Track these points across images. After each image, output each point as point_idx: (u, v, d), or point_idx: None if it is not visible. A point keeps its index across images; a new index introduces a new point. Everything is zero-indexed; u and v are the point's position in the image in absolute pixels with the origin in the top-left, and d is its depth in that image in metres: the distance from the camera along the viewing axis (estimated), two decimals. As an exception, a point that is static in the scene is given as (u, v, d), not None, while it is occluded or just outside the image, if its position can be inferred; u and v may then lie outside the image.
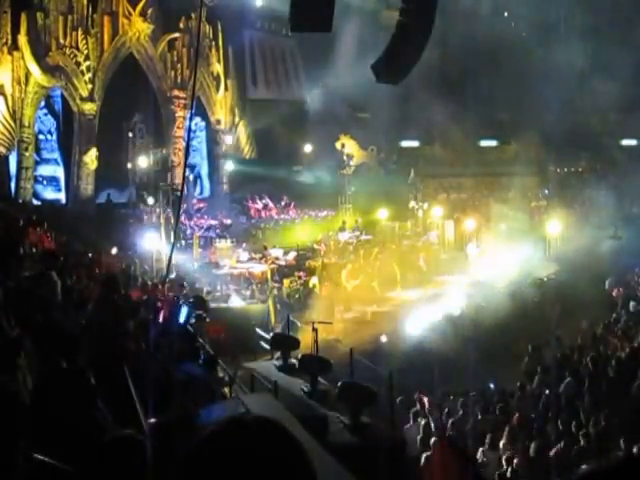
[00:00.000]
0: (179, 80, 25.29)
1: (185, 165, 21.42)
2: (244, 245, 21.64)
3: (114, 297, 6.95)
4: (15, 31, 21.01)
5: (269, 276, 18.59)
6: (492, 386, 11.42)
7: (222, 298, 17.17)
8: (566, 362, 11.88)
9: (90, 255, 15.64)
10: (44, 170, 23.33)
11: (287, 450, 1.16)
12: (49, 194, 23.42)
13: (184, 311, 9.78)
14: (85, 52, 22.72)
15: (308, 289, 18.66)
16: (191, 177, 25.35)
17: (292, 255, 20.75)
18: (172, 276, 16.94)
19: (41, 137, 23.16)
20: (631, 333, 13.69)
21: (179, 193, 20.80)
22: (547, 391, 10.58)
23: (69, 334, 5.38)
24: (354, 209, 25.64)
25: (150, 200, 22.66)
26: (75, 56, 22.47)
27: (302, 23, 9.31)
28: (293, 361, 10.84)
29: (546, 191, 28.57)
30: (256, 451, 1.13)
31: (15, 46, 21.03)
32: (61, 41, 22.18)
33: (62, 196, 23.59)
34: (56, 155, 23.76)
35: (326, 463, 5.82)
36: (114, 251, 17.93)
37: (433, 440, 7.94)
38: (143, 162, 23.91)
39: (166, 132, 25.28)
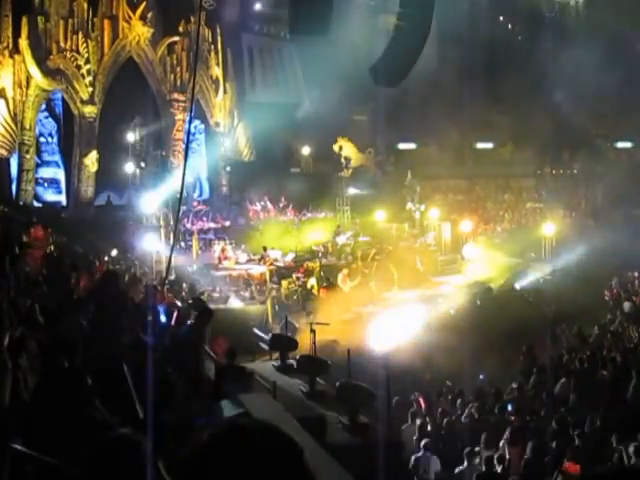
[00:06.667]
0: (178, 83, 25.41)
1: (185, 167, 21.50)
2: (243, 246, 21.79)
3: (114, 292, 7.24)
4: (16, 35, 21.16)
5: (268, 277, 18.73)
6: (481, 377, 11.52)
7: (221, 299, 17.31)
8: (561, 362, 12.04)
9: (91, 257, 15.78)
10: (45, 172, 23.47)
11: (285, 455, 1.20)
12: (50, 196, 23.55)
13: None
14: (85, 55, 22.84)
15: (306, 290, 18.81)
16: (190, 179, 25.44)
17: (290, 257, 20.88)
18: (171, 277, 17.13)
19: (42, 140, 23.31)
20: (626, 334, 13.85)
21: (178, 195, 20.88)
22: (543, 391, 10.73)
23: (68, 335, 5.53)
24: (352, 211, 25.79)
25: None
26: (76, 59, 22.60)
27: (300, 26, 9.45)
28: (291, 362, 10.98)
29: (542, 192, 28.72)
30: (254, 456, 1.17)
31: (16, 50, 21.18)
32: (62, 45, 22.31)
33: (62, 198, 23.73)
34: (57, 158, 23.90)
35: (325, 463, 5.94)
36: (114, 253, 18.07)
37: None
38: (143, 164, 24.05)
39: (166, 135, 25.40)
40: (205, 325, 8.21)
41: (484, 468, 7.74)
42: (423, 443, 8.56)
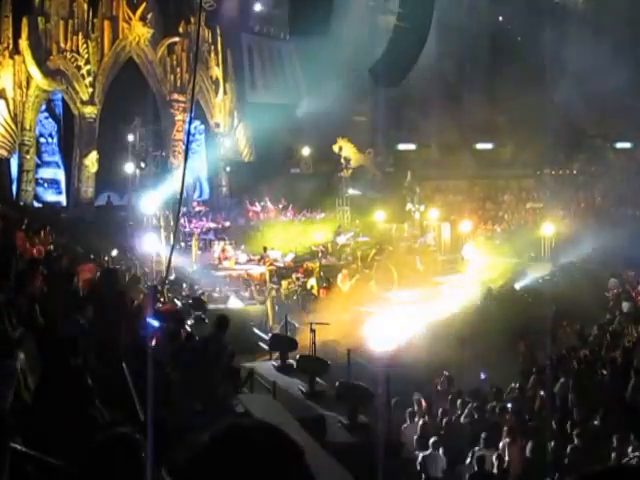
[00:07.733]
0: (178, 84, 25.43)
1: (185, 168, 21.49)
2: (243, 247, 21.81)
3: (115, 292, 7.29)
4: (16, 35, 21.17)
5: (267, 277, 18.75)
6: (482, 375, 11.53)
7: (221, 299, 17.32)
8: (561, 362, 12.05)
9: (91, 257, 15.79)
10: (45, 173, 23.49)
11: (286, 455, 1.19)
12: (50, 197, 23.57)
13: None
14: (86, 56, 22.86)
15: (306, 290, 18.84)
16: (190, 180, 25.47)
17: (290, 257, 20.91)
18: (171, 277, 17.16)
19: (42, 140, 23.32)
20: (625, 333, 13.87)
21: (178, 196, 20.87)
22: (542, 391, 10.74)
23: (68, 335, 5.56)
24: (351, 211, 25.82)
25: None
26: (76, 60, 22.62)
27: (300, 27, 9.51)
28: (291, 362, 11.01)
29: (542, 193, 28.73)
30: (255, 457, 1.17)
31: (16, 50, 21.20)
32: (62, 45, 22.33)
33: (62, 199, 23.74)
34: (57, 158, 23.91)
35: (325, 462, 5.97)
36: (114, 253, 18.08)
37: None
38: (143, 165, 24.05)
39: (166, 135, 25.40)
40: (224, 333, 8.22)
41: (476, 468, 7.76)
42: (432, 441, 8.55)
